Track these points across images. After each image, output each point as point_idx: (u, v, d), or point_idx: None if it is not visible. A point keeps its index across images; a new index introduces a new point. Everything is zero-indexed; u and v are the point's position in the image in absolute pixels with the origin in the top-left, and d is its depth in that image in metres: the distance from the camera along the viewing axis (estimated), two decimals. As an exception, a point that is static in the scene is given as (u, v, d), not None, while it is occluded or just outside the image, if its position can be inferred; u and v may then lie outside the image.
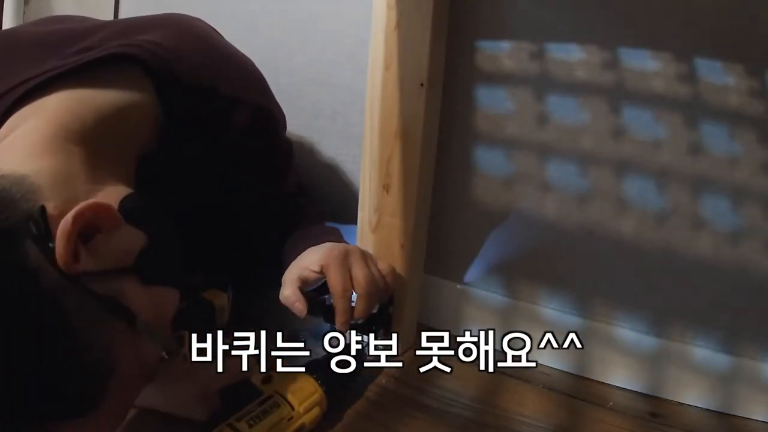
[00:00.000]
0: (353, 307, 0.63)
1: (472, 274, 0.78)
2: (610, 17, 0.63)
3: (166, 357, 0.49)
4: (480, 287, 0.77)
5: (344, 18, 0.85)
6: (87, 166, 0.44)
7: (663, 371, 0.68)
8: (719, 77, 0.60)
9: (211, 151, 0.59)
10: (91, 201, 0.39)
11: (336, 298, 0.61)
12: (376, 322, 0.69)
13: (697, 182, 0.63)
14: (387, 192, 0.70)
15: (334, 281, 0.61)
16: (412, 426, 0.60)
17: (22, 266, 0.35)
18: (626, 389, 0.70)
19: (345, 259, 0.62)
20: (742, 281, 0.63)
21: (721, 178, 0.62)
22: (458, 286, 0.78)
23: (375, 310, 0.68)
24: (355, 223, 0.75)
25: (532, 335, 0.74)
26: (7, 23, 1.13)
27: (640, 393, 0.69)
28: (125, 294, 0.40)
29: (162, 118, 0.53)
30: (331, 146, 0.91)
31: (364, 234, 0.73)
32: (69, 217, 0.37)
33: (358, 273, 0.62)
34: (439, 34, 0.67)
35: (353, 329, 0.68)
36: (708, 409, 0.66)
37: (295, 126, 0.93)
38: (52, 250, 0.36)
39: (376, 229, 0.72)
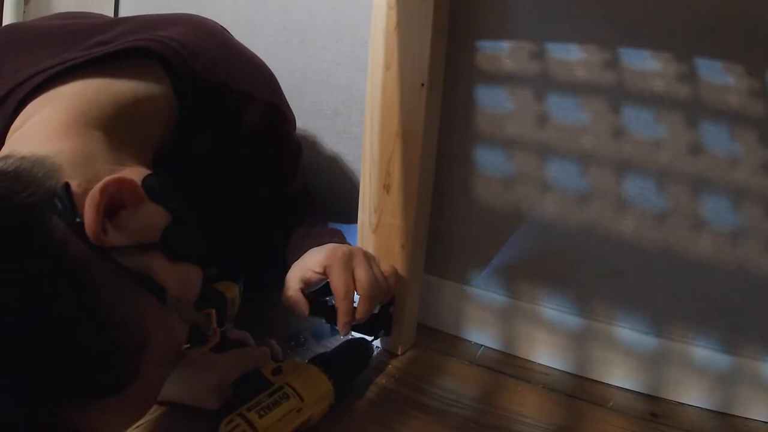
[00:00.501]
0: (355, 308, 0.63)
1: (474, 275, 0.78)
2: (610, 17, 0.63)
3: (188, 345, 0.48)
4: (480, 287, 0.78)
5: (344, 18, 0.85)
6: (107, 148, 0.44)
7: (663, 371, 0.68)
8: (719, 77, 0.60)
9: (223, 147, 0.59)
10: (115, 176, 0.38)
11: (338, 300, 0.61)
12: (377, 323, 0.69)
13: (697, 182, 0.63)
14: (387, 192, 0.70)
15: (337, 283, 0.61)
16: (412, 426, 0.60)
17: (48, 241, 0.34)
18: (626, 389, 0.70)
19: (348, 260, 0.62)
20: (742, 281, 0.63)
21: (721, 178, 0.62)
22: (458, 286, 0.79)
23: (376, 311, 0.68)
24: (356, 222, 0.75)
25: (532, 335, 0.75)
26: (7, 22, 1.13)
27: (640, 393, 0.69)
28: (153, 269, 0.40)
29: (177, 112, 0.53)
30: (331, 146, 0.91)
31: (364, 234, 0.73)
32: (96, 189, 0.37)
33: (361, 275, 0.62)
34: (439, 34, 0.67)
35: (354, 330, 0.68)
36: (708, 409, 0.66)
37: (296, 126, 0.93)
38: (79, 224, 0.36)
39: (376, 230, 0.72)
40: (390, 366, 0.71)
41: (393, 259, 0.70)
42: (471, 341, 0.79)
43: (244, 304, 0.76)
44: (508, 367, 0.73)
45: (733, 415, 0.65)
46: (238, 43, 0.64)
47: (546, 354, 0.74)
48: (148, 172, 0.45)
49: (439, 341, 0.78)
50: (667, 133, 0.63)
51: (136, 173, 0.43)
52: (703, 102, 0.61)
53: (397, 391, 0.66)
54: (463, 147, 0.74)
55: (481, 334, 0.78)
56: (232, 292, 0.61)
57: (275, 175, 0.70)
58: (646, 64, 0.62)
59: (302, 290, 0.62)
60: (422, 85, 0.65)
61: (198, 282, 0.47)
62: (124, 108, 0.48)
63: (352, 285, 0.62)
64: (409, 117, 0.67)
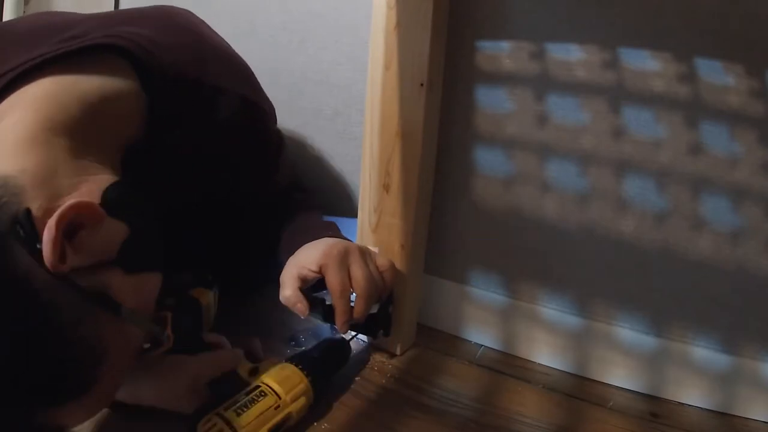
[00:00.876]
0: (352, 307, 0.63)
1: (474, 275, 0.78)
2: (610, 17, 0.63)
3: (147, 345, 0.51)
4: (480, 287, 0.78)
5: (344, 18, 0.85)
6: (71, 157, 0.45)
7: (663, 371, 0.68)
8: (719, 77, 0.60)
9: (198, 142, 0.59)
10: (72, 202, 0.40)
11: (335, 299, 0.61)
12: (377, 323, 0.69)
13: (697, 182, 0.63)
14: (387, 192, 0.70)
15: (333, 282, 0.61)
16: (412, 426, 0.60)
17: (13, 270, 0.37)
18: (626, 389, 0.70)
19: (344, 258, 0.62)
20: (742, 281, 0.63)
21: (721, 178, 0.62)
22: (458, 286, 0.79)
23: (375, 310, 0.68)
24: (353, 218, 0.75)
25: (532, 335, 0.75)
26: (7, 23, 1.13)
27: (640, 393, 0.69)
28: (110, 285, 0.42)
29: (147, 107, 0.53)
30: (331, 146, 0.91)
31: (364, 234, 0.73)
32: (52, 222, 0.38)
33: (357, 273, 0.62)
34: (439, 34, 0.67)
35: (353, 330, 0.68)
36: (708, 409, 0.66)
37: (296, 125, 0.93)
38: (40, 251, 0.38)
39: (375, 229, 0.72)
40: (390, 366, 0.71)
41: (393, 259, 0.70)
42: (471, 341, 0.79)
43: (246, 304, 0.77)
44: (508, 367, 0.73)
45: (733, 415, 0.65)
46: (213, 36, 0.63)
47: (546, 354, 0.74)
48: (112, 179, 0.46)
49: (439, 341, 0.78)
50: (667, 133, 0.63)
51: (97, 185, 0.45)
52: (703, 102, 0.61)
53: (397, 391, 0.66)
54: (463, 147, 0.74)
55: (481, 334, 0.78)
56: (207, 298, 0.62)
57: (257, 168, 0.70)
58: (646, 64, 0.62)
59: (300, 289, 0.62)
60: (422, 85, 0.65)
61: (156, 288, 0.49)
62: (91, 108, 0.48)
63: (348, 284, 0.62)
64: (409, 117, 0.67)
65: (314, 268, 0.62)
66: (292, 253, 0.66)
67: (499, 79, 0.70)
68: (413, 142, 0.67)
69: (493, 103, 0.71)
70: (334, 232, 0.71)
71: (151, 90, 0.53)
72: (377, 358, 0.72)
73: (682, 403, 0.67)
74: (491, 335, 0.77)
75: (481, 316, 0.77)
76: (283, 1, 0.91)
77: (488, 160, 0.73)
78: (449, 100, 0.72)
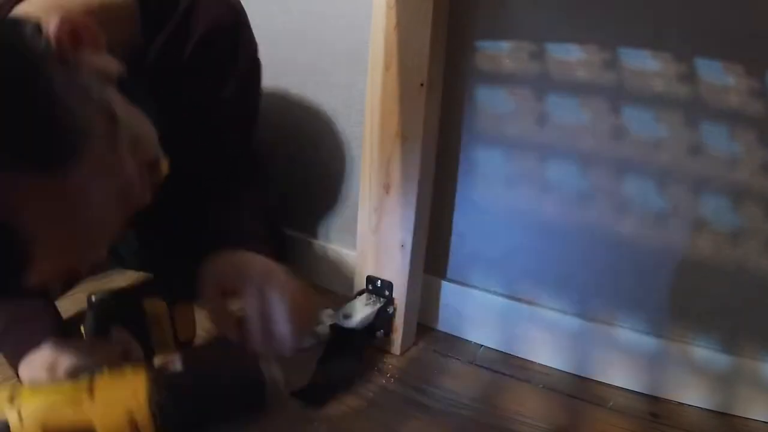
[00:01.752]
0: (272, 332, 0.54)
1: (474, 275, 0.78)
2: (610, 17, 0.63)
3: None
4: (480, 287, 0.78)
5: (344, 18, 0.85)
6: None
7: (663, 371, 0.68)
8: (719, 77, 0.60)
9: (176, 51, 0.62)
10: (73, 17, 0.42)
11: (252, 323, 0.54)
12: (377, 323, 0.69)
13: (697, 182, 0.63)
14: (387, 192, 0.70)
15: (250, 305, 0.54)
16: (412, 426, 0.60)
17: (20, 37, 0.39)
18: (626, 389, 0.70)
19: (265, 280, 0.55)
20: (742, 281, 0.63)
21: (721, 178, 0.62)
22: (458, 286, 0.79)
23: (375, 311, 0.68)
24: (356, 226, 0.75)
25: (532, 335, 0.75)
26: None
27: (640, 393, 0.69)
28: (110, 98, 0.44)
29: (139, 17, 0.57)
30: (331, 146, 0.91)
31: (364, 234, 0.73)
32: (59, 17, 0.41)
33: (275, 297, 0.54)
34: (439, 34, 0.67)
35: (351, 339, 0.67)
36: (708, 409, 0.66)
37: (296, 126, 0.93)
38: (47, 42, 0.40)
39: (376, 230, 0.72)
40: (390, 366, 0.71)
41: (393, 258, 0.71)
42: (471, 341, 0.79)
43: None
44: (508, 367, 0.73)
45: (733, 415, 0.65)
46: None
47: (546, 354, 0.74)
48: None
49: (439, 341, 0.78)
50: (667, 133, 0.63)
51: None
52: (703, 102, 0.61)
53: (397, 391, 0.66)
54: (463, 147, 0.74)
55: (481, 334, 0.78)
56: (158, 309, 0.59)
57: (228, 89, 0.67)
58: (646, 64, 0.62)
59: (218, 303, 0.56)
60: (422, 85, 0.65)
61: (151, 141, 0.49)
62: (95, 12, 0.51)
63: (266, 308, 0.54)
64: (409, 117, 0.67)
65: (231, 285, 0.56)
66: (215, 255, 0.59)
67: (499, 79, 0.70)
68: (413, 143, 0.67)
69: (493, 103, 0.71)
70: (262, 244, 0.63)
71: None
72: (377, 358, 0.72)
73: (682, 403, 0.67)
74: (491, 335, 0.77)
75: (481, 316, 0.77)
76: (283, 1, 0.91)
77: (488, 160, 0.73)
78: (449, 100, 0.72)
